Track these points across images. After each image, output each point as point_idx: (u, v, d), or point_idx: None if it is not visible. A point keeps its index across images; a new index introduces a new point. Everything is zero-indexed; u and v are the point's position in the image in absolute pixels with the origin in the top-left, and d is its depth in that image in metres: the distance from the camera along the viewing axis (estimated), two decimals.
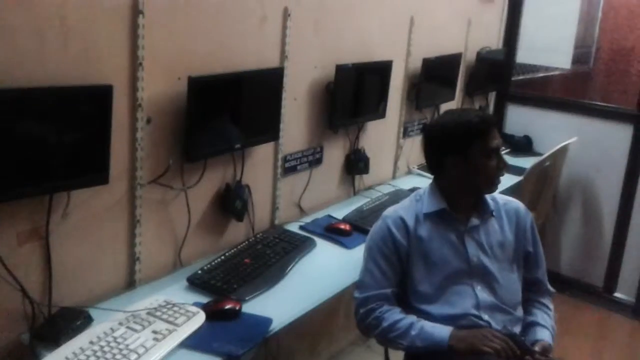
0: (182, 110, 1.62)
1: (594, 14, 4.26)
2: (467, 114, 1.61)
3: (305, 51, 2.06)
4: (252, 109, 1.84)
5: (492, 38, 3.34)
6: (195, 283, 1.63)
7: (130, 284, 1.63)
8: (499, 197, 1.67)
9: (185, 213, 1.74)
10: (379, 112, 2.47)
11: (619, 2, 4.23)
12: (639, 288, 3.01)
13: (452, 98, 3.00)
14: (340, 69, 2.13)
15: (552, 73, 3.74)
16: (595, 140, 3.09)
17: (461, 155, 1.52)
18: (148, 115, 1.56)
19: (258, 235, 1.94)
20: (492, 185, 1.57)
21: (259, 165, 2.00)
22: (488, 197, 1.62)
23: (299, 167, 2.18)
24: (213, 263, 1.72)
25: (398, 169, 2.79)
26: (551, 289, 1.68)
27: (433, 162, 1.61)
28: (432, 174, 1.64)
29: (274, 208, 2.11)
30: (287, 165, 2.11)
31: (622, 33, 4.18)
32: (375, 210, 2.14)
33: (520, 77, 3.63)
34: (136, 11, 1.48)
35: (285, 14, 1.95)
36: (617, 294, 3.11)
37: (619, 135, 3.02)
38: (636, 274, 3.02)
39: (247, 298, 1.57)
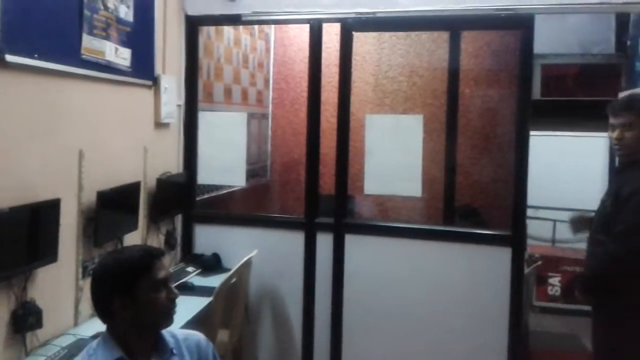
0: None
1: (265, 133, 4.80)
2: (129, 250, 1.59)
3: None
4: None
5: (171, 163, 3.44)
6: None
7: None
8: (179, 333, 1.65)
9: None
10: (49, 256, 2.26)
11: (285, 122, 4.85)
12: None
13: (135, 228, 2.94)
14: None
15: (234, 189, 4.01)
16: (276, 249, 3.38)
17: (128, 294, 1.47)
18: None
19: None
20: (168, 319, 1.54)
21: None
22: (167, 334, 1.58)
23: None
24: None
25: (80, 314, 2.56)
26: None
27: (101, 307, 1.52)
28: (103, 321, 1.53)
29: None
30: None
31: (290, 147, 4.78)
32: None
33: (206, 196, 3.81)
34: None
35: None
36: None
37: (294, 241, 3.36)
38: None
39: None
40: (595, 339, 2.59)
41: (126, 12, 2.88)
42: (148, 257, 1.52)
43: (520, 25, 3.09)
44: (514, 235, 3.06)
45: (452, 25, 3.56)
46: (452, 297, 3.15)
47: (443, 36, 4.05)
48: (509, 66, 4.01)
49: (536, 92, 4.25)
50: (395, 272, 3.25)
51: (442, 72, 4.12)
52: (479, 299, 3.11)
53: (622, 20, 4.25)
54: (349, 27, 3.35)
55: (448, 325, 3.16)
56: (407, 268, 3.22)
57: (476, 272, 3.11)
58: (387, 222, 3.65)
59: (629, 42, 4.18)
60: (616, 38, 4.31)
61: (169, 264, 1.59)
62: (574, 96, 4.24)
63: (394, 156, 3.30)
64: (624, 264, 2.36)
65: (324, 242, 3.34)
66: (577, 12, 3.24)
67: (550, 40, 4.17)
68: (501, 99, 4.18)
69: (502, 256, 3.05)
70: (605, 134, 4.19)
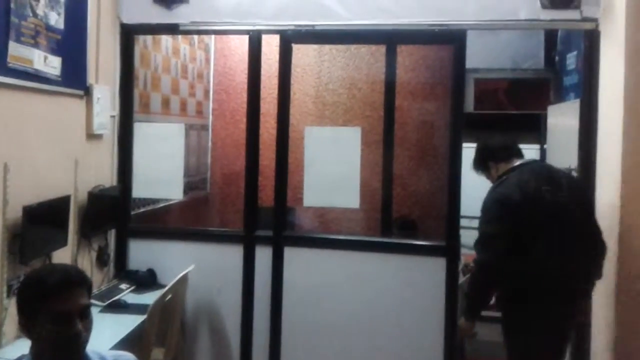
0: None
1: (205, 144, 4.73)
2: (49, 271, 1.49)
3: None
4: None
5: (105, 176, 3.34)
6: None
7: None
8: (109, 354, 1.59)
9: None
10: None
11: (225, 134, 4.80)
12: None
13: (64, 244, 2.83)
14: None
15: (172, 202, 3.92)
16: (214, 264, 3.33)
17: (30, 318, 1.41)
18: None
19: None
20: (66, 356, 1.41)
21: None
22: (94, 355, 1.51)
23: None
24: None
25: (5, 336, 2.43)
26: None
27: (23, 325, 1.44)
28: (28, 337, 1.45)
29: None
30: None
31: (230, 159, 4.73)
32: None
33: (142, 210, 3.71)
34: None
35: None
36: None
37: (233, 255, 3.31)
38: None
39: None
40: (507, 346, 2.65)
41: (57, 20, 2.79)
42: (55, 284, 1.40)
43: (452, 40, 3.19)
44: (448, 246, 3.12)
45: (389, 39, 3.63)
46: (389, 307, 3.19)
47: (381, 49, 4.11)
48: (444, 80, 4.12)
49: (470, 106, 4.38)
50: (334, 285, 3.26)
51: (380, 85, 4.19)
52: (415, 309, 3.16)
53: (551, 37, 4.45)
54: (288, 39, 3.36)
55: (385, 336, 3.19)
56: (345, 280, 3.24)
57: (412, 283, 3.16)
58: (326, 234, 3.67)
59: (557, 58, 4.38)
60: (545, 54, 4.51)
61: (89, 292, 1.48)
62: (505, 109, 4.39)
63: (332, 168, 3.32)
64: (489, 269, 2.49)
65: (263, 256, 3.31)
66: (507, 28, 3.38)
67: (483, 56, 4.33)
68: (437, 111, 4.29)
69: (437, 266, 3.11)
70: (536, 146, 4.40)
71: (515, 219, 2.43)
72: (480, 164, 2.77)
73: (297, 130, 3.89)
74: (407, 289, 3.16)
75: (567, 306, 2.49)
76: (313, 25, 3.27)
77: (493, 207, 2.50)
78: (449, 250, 3.12)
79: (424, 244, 3.27)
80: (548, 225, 2.43)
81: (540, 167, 2.69)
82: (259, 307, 3.31)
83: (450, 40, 3.22)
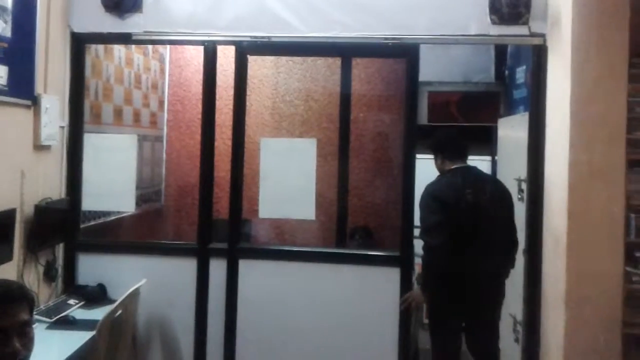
0: None
1: (159, 156, 4.65)
2: None
3: None
4: None
5: (53, 188, 3.23)
6: None
7: None
8: None
9: None
10: None
11: (180, 145, 4.74)
12: None
13: (9, 258, 2.72)
14: None
15: (124, 215, 3.83)
16: (166, 277, 3.25)
17: None
18: None
19: None
20: None
21: None
22: None
23: None
24: None
25: None
26: None
27: None
28: None
29: None
30: None
31: (185, 170, 4.67)
32: None
33: (92, 224, 3.60)
34: None
35: None
36: None
37: (186, 268, 3.25)
38: None
39: None
40: None
41: (3, 28, 2.71)
42: None
43: (405, 54, 3.25)
44: (402, 256, 3.16)
45: (344, 52, 3.66)
46: (345, 318, 3.19)
47: (337, 62, 4.15)
48: (399, 92, 4.19)
49: (423, 118, 4.46)
50: (289, 296, 3.23)
51: (336, 97, 4.22)
52: (370, 318, 3.17)
53: (501, 52, 4.58)
54: (244, 50, 3.35)
55: (341, 346, 3.18)
56: (301, 291, 3.22)
57: (367, 293, 3.17)
58: (281, 246, 3.65)
59: (507, 72, 4.51)
60: (495, 68, 4.64)
61: (31, 308, 1.42)
62: (457, 122, 4.48)
63: (288, 179, 3.31)
64: (443, 251, 2.88)
65: (218, 268, 3.26)
66: (459, 43, 3.43)
67: (436, 69, 4.41)
68: (392, 123, 4.34)
69: (392, 276, 3.13)
70: (488, 157, 4.51)
71: (445, 213, 2.92)
72: (433, 150, 3.19)
73: (253, 141, 3.88)
74: (363, 299, 3.17)
75: (484, 290, 3.02)
76: (269, 37, 3.26)
77: (431, 201, 2.97)
78: (403, 260, 3.15)
79: (378, 254, 3.28)
80: (468, 222, 2.93)
81: (470, 173, 3.10)
82: (213, 321, 3.25)
83: (403, 53, 3.28)
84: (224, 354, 3.25)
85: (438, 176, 3.13)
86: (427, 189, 3.03)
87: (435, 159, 3.18)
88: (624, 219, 2.71)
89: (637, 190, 2.81)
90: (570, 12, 2.72)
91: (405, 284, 3.14)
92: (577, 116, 2.71)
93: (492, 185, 3.12)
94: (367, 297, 3.18)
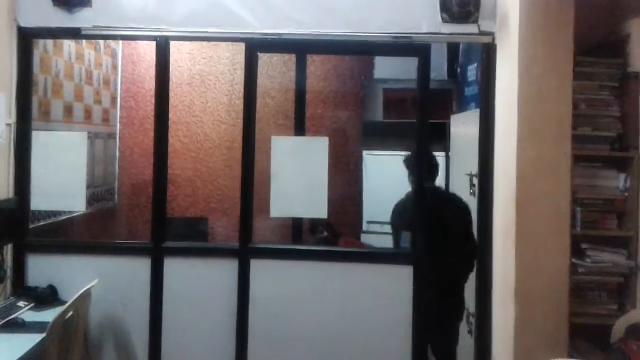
0: None
1: (112, 154, 4.56)
2: None
3: None
4: None
5: (1, 188, 3.14)
6: None
7: None
8: None
9: None
10: None
11: (134, 142, 4.65)
12: None
13: None
14: None
15: (75, 214, 3.74)
16: (120, 277, 3.20)
17: None
18: None
19: None
20: None
21: None
22: None
23: None
24: None
25: None
26: None
27: None
28: None
29: None
30: None
31: (140, 168, 4.59)
32: None
33: (42, 224, 3.51)
34: None
35: None
36: None
37: (140, 268, 3.20)
38: None
39: None
40: None
41: None
42: None
43: (418, 53, 3.24)
44: (415, 254, 3.18)
45: (298, 49, 3.66)
46: (356, 317, 3.18)
47: (293, 59, 4.15)
48: (354, 89, 4.22)
49: (379, 114, 4.50)
50: (289, 296, 3.21)
51: (292, 94, 4.22)
52: (383, 317, 3.16)
53: (454, 50, 4.67)
54: (254, 49, 3.29)
55: (352, 346, 3.18)
56: (300, 291, 3.20)
57: (379, 291, 3.17)
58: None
59: (459, 70, 4.60)
60: (448, 66, 4.73)
61: None
62: (412, 118, 4.54)
63: (299, 179, 3.25)
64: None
65: (173, 267, 3.22)
66: (411, 41, 3.44)
67: (392, 67, 4.46)
68: (348, 120, 4.37)
69: (404, 274, 3.14)
70: (442, 153, 4.59)
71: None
72: (410, 169, 3.43)
73: (210, 139, 3.84)
74: (373, 298, 3.17)
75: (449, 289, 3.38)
76: (223, 33, 3.24)
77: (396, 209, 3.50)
78: (416, 258, 3.16)
79: (390, 252, 3.42)
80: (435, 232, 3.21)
81: (434, 193, 3.42)
82: (167, 321, 3.22)
83: (415, 52, 3.25)
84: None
85: (408, 192, 3.41)
86: (402, 199, 3.48)
87: (409, 174, 3.43)
88: (570, 213, 2.82)
89: (582, 184, 2.93)
90: (518, 12, 2.80)
91: (418, 282, 3.14)
92: (525, 113, 2.79)
93: (453, 203, 3.50)
94: (379, 296, 3.17)
